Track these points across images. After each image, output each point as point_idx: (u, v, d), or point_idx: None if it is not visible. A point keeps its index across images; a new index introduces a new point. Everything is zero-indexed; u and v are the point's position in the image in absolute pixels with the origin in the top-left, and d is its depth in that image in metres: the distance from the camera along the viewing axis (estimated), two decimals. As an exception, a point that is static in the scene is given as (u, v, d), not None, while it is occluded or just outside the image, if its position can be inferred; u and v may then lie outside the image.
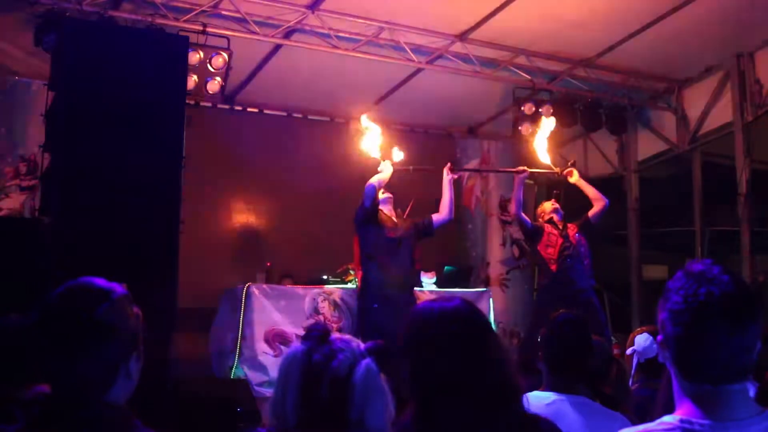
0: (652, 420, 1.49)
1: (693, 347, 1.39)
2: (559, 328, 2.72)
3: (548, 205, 6.64)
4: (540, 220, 6.61)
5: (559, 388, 2.57)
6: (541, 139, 6.79)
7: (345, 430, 1.50)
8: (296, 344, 1.61)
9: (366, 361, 1.55)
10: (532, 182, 8.46)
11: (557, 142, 9.07)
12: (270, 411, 1.58)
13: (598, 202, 6.48)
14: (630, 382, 3.69)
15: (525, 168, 6.58)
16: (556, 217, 6.51)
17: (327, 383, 1.52)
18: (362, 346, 1.61)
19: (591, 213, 6.49)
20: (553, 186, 7.11)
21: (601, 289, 8.59)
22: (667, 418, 1.44)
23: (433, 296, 6.77)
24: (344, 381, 1.52)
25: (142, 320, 1.64)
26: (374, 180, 5.83)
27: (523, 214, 6.55)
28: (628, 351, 3.71)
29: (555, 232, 6.41)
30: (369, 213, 5.85)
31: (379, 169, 5.92)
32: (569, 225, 6.48)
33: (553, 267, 6.37)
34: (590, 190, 6.53)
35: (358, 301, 6.12)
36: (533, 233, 6.54)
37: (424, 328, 1.74)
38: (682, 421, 1.41)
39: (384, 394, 1.56)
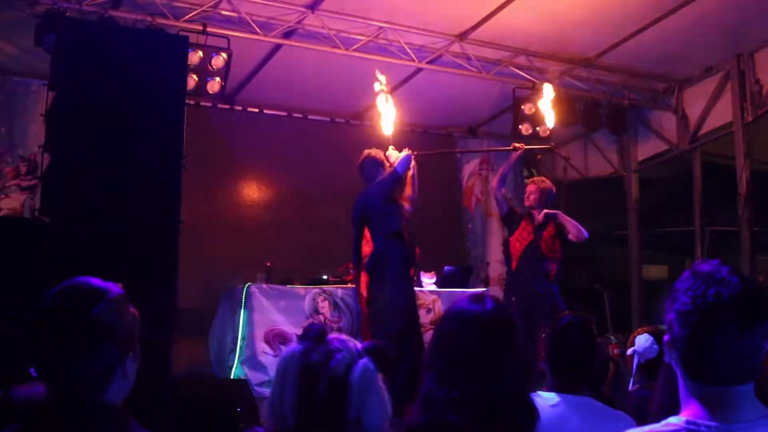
0: (649, 420, 1.49)
1: (701, 348, 1.39)
2: (564, 329, 2.70)
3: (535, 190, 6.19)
4: (526, 200, 6.26)
5: (562, 389, 2.55)
6: (546, 104, 6.72)
7: (343, 430, 1.51)
8: (294, 344, 1.63)
9: (363, 361, 1.57)
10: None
11: (557, 142, 9.10)
12: (268, 411, 1.59)
13: (576, 236, 6.05)
14: (631, 383, 3.69)
15: (521, 144, 6.36)
16: (537, 213, 6.12)
17: (325, 383, 1.53)
18: (359, 345, 1.64)
19: (570, 236, 6.10)
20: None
21: (601, 289, 8.60)
22: (673, 419, 1.43)
23: (434, 296, 6.85)
24: (342, 381, 1.53)
25: (138, 320, 1.64)
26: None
27: (502, 192, 6.30)
28: (629, 351, 3.70)
29: (529, 228, 6.08)
30: (400, 182, 5.84)
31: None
32: (549, 225, 6.09)
33: (513, 264, 6.18)
34: (571, 225, 6.07)
35: (374, 287, 5.76)
36: (507, 219, 6.28)
37: (441, 320, 1.83)
38: (688, 422, 1.40)
39: (381, 394, 1.57)
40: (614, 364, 3.56)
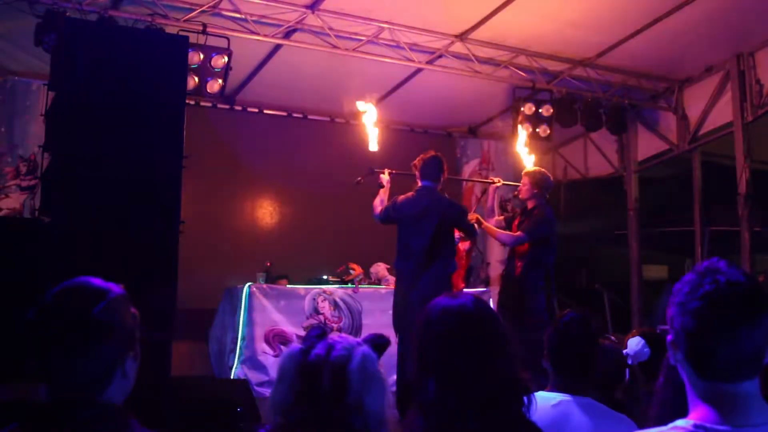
0: (650, 421, 1.48)
1: (701, 336, 1.38)
2: (564, 327, 2.70)
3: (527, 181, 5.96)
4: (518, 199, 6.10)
5: (564, 389, 2.55)
6: (521, 146, 6.63)
7: (345, 415, 1.56)
8: (294, 344, 1.68)
9: (362, 349, 1.63)
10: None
11: (557, 142, 9.12)
12: (270, 409, 1.63)
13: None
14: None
15: (499, 179, 6.35)
16: (528, 205, 5.90)
17: (328, 375, 1.58)
18: (359, 339, 1.69)
19: None
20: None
21: (601, 289, 8.60)
22: (681, 422, 1.41)
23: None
24: (342, 368, 1.58)
25: (139, 320, 1.64)
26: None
27: (494, 220, 6.15)
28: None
29: (513, 226, 5.94)
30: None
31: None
32: (515, 221, 5.93)
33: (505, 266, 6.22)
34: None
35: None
36: (507, 227, 6.07)
37: (427, 323, 1.84)
38: (696, 426, 1.38)
39: (381, 380, 1.62)
40: (630, 368, 3.55)
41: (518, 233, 5.77)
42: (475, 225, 5.86)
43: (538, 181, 5.91)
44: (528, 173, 6.02)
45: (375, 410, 1.58)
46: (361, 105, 6.02)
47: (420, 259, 5.34)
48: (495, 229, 5.97)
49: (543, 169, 6.15)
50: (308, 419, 1.57)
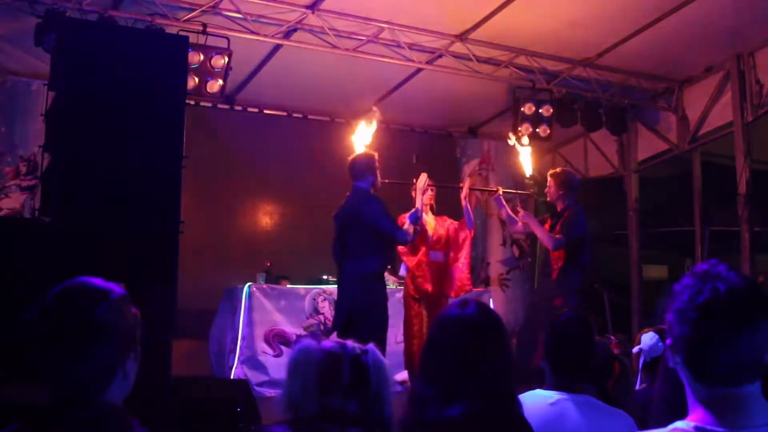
0: (651, 420, 1.48)
1: (701, 344, 1.37)
2: (561, 327, 2.71)
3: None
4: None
5: (562, 387, 2.56)
6: (524, 154, 6.62)
7: (364, 406, 1.66)
8: (307, 340, 1.77)
9: (370, 345, 1.76)
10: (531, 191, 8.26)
11: (557, 142, 9.11)
12: (285, 405, 1.69)
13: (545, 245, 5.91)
14: (638, 382, 3.70)
15: (500, 188, 6.35)
16: (558, 206, 5.87)
17: (347, 366, 1.68)
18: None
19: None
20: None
21: (601, 289, 8.60)
22: (681, 424, 1.41)
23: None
24: (362, 361, 1.70)
25: (139, 321, 1.64)
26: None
27: (516, 228, 6.17)
28: (635, 350, 3.73)
29: (546, 226, 5.87)
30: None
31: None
32: (551, 219, 5.89)
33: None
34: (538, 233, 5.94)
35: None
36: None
37: (437, 332, 2.02)
38: (696, 428, 1.38)
39: (388, 371, 1.76)
40: (618, 362, 3.57)
41: (558, 236, 5.67)
42: (520, 220, 5.93)
43: (563, 181, 5.84)
44: (552, 174, 5.95)
45: (388, 400, 1.69)
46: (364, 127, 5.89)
47: (336, 261, 5.41)
48: (540, 227, 5.82)
49: (567, 169, 6.12)
50: (324, 412, 1.63)
